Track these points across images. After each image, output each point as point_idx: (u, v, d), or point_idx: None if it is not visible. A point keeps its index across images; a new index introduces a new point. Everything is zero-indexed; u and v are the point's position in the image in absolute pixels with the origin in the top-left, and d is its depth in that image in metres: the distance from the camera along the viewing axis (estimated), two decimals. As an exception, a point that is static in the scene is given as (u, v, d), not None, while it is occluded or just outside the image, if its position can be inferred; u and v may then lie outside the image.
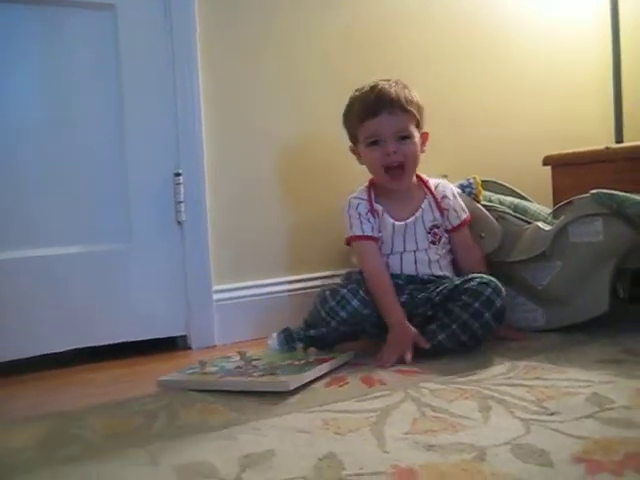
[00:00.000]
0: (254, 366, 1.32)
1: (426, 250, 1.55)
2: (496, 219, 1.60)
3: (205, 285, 1.65)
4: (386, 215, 1.54)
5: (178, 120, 1.61)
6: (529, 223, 1.60)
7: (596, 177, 1.82)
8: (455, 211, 1.58)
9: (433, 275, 1.53)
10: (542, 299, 1.53)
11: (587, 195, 1.46)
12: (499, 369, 1.27)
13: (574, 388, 1.13)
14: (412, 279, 1.53)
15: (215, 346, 1.65)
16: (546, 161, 1.95)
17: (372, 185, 1.58)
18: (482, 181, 1.69)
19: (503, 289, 1.40)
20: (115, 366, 1.51)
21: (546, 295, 1.52)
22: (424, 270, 1.54)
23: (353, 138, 1.57)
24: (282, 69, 1.78)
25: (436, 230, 1.56)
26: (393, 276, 1.51)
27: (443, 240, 1.57)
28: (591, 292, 1.49)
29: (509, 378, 1.21)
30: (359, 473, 0.85)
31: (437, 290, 1.47)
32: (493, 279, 1.41)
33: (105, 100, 1.56)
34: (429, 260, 1.54)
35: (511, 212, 1.63)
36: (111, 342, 1.56)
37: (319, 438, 0.99)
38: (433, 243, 1.56)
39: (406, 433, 0.98)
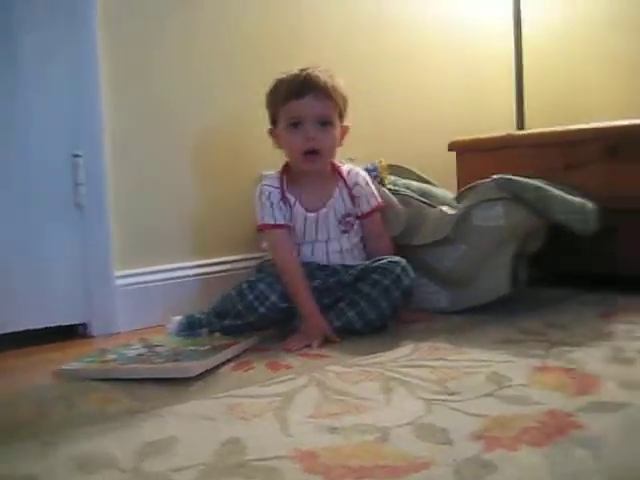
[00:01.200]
0: (157, 353, 1.29)
1: (338, 239, 1.54)
2: (401, 203, 1.61)
3: (106, 270, 1.59)
4: (298, 205, 1.52)
5: (78, 98, 1.54)
6: (434, 207, 1.62)
7: (499, 163, 1.86)
8: (366, 198, 1.57)
9: (344, 265, 1.53)
10: (446, 282, 1.56)
11: (489, 180, 1.50)
12: (403, 351, 1.28)
13: (475, 368, 1.16)
14: (323, 267, 1.52)
15: (118, 333, 1.60)
16: (451, 147, 1.99)
17: (285, 172, 1.55)
18: (388, 165, 1.70)
19: (411, 269, 1.43)
20: (9, 357, 1.44)
21: (450, 278, 1.55)
22: (336, 260, 1.53)
23: (273, 119, 1.54)
24: (190, 50, 1.74)
25: (348, 219, 1.56)
26: (304, 264, 1.50)
27: (355, 228, 1.57)
28: (493, 275, 1.53)
29: (412, 359, 1.23)
30: (261, 458, 0.84)
31: (349, 272, 1.48)
32: (402, 259, 1.44)
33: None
34: (341, 249, 1.54)
35: (416, 196, 1.65)
36: (4, 332, 1.48)
37: (222, 424, 0.97)
38: (345, 232, 1.55)
39: (310, 416, 0.97)
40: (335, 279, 1.49)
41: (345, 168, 1.59)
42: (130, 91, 1.64)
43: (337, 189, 1.56)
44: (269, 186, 1.53)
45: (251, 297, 1.41)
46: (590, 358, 1.17)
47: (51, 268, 1.53)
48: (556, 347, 1.25)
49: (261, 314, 1.41)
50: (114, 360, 1.26)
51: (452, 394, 1.03)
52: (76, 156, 1.54)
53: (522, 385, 1.05)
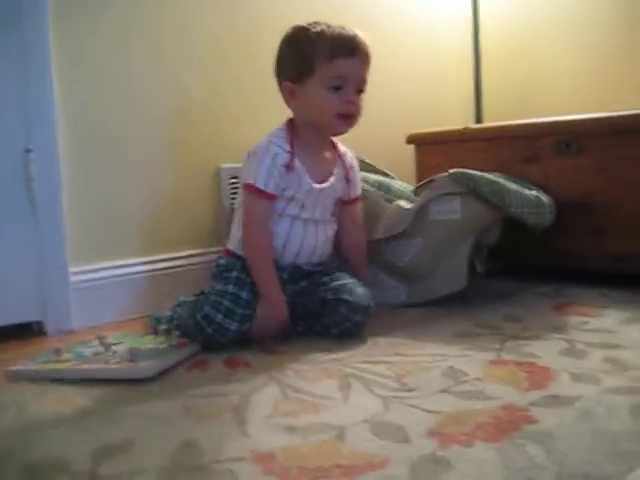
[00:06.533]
0: (113, 352, 1.26)
1: (329, 224, 1.46)
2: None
3: (61, 267, 1.56)
4: (307, 176, 1.39)
5: (28, 91, 1.49)
6: (392, 201, 1.63)
7: (457, 155, 1.89)
8: (355, 183, 1.51)
9: (317, 264, 1.45)
10: (404, 276, 1.57)
11: (446, 174, 1.51)
12: (361, 346, 1.29)
13: (432, 362, 1.17)
14: (294, 271, 1.42)
15: (73, 331, 1.57)
16: (410, 140, 2.00)
17: (291, 133, 1.40)
18: (347, 159, 1.69)
19: (371, 303, 1.37)
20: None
21: (408, 272, 1.56)
22: (319, 249, 1.44)
23: (303, 73, 1.35)
24: (146, 38, 1.70)
25: (338, 201, 1.49)
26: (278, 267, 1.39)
27: (335, 219, 1.50)
28: (450, 268, 1.55)
29: (371, 355, 1.23)
30: (219, 460, 0.84)
31: (313, 296, 1.40)
32: (364, 296, 1.36)
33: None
34: (326, 237, 1.45)
35: (373, 190, 1.65)
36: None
37: (179, 426, 0.96)
38: (333, 217, 1.48)
39: (268, 416, 0.97)
40: (301, 289, 1.42)
41: (341, 147, 1.50)
42: (82, 83, 1.60)
43: (336, 167, 1.46)
44: (278, 146, 1.37)
45: (212, 328, 1.28)
46: (544, 351, 1.19)
47: (4, 265, 1.49)
48: (511, 340, 1.27)
49: (233, 331, 1.29)
50: (70, 360, 1.24)
51: (409, 390, 1.04)
52: (28, 151, 1.50)
53: (477, 379, 1.07)
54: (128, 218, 1.68)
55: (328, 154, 1.46)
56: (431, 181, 1.54)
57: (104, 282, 1.63)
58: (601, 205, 1.64)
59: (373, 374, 1.12)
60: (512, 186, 1.48)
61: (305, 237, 1.42)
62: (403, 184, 1.79)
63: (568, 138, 1.67)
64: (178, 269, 1.74)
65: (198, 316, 1.29)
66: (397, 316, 1.51)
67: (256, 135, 1.43)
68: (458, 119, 2.27)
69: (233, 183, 1.82)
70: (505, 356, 1.18)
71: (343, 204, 1.50)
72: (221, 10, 1.83)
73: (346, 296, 1.34)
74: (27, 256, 1.52)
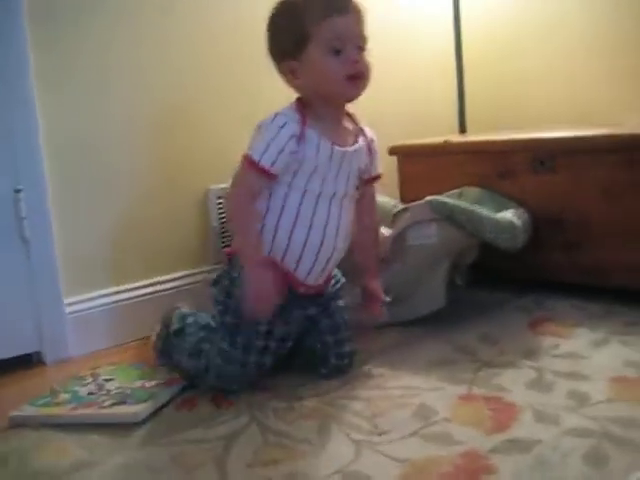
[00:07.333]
0: (107, 390, 1.34)
1: (351, 198, 1.35)
2: None
3: (55, 299, 1.62)
4: (324, 141, 1.26)
5: (14, 133, 1.54)
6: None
7: (438, 168, 1.94)
8: (376, 160, 1.40)
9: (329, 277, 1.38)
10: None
11: (422, 202, 1.56)
12: (343, 377, 1.35)
13: (406, 398, 1.23)
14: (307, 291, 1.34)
15: (71, 359, 1.64)
16: (392, 151, 2.03)
17: (301, 109, 1.28)
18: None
19: (355, 347, 1.41)
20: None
21: (388, 294, 1.62)
22: (340, 235, 1.32)
23: (300, 43, 1.25)
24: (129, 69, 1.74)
25: (362, 175, 1.37)
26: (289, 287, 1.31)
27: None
28: (429, 289, 1.61)
29: (348, 390, 1.30)
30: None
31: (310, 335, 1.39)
32: (351, 344, 1.39)
33: None
34: (349, 220, 1.34)
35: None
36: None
37: (165, 476, 1.04)
38: (357, 188, 1.37)
39: (248, 465, 1.04)
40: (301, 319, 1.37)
41: (360, 120, 1.40)
42: (68, 127, 1.64)
43: (361, 137, 1.36)
44: (284, 115, 1.25)
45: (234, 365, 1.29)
46: (513, 384, 1.25)
47: (1, 301, 1.56)
48: (484, 369, 1.33)
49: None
50: (67, 402, 1.31)
51: (381, 434, 1.11)
52: (18, 191, 1.56)
53: (446, 420, 1.14)
54: (118, 245, 1.74)
55: (348, 124, 1.35)
56: (408, 208, 1.59)
57: (98, 310, 1.69)
58: (575, 221, 1.69)
59: (350, 413, 1.19)
60: (485, 213, 1.53)
61: (330, 218, 1.30)
62: (385, 199, 1.83)
63: (542, 155, 1.72)
64: (170, 291, 1.80)
65: (211, 376, 1.31)
66: (377, 338, 1.56)
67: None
68: (442, 127, 2.30)
69: (220, 203, 1.87)
70: (475, 390, 1.24)
71: (367, 182, 1.41)
72: (203, 24, 1.85)
73: (332, 356, 1.37)
74: (22, 291, 1.59)
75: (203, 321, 1.43)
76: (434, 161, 1.96)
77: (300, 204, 1.28)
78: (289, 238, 1.29)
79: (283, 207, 1.28)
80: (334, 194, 1.30)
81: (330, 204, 1.30)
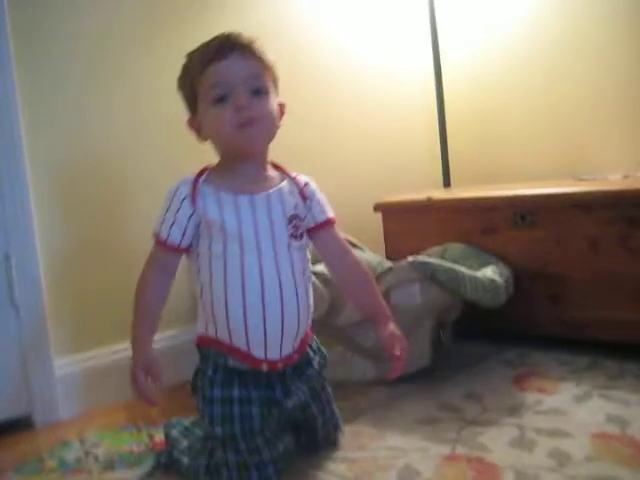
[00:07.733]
0: (94, 457, 1.35)
1: (287, 248, 1.18)
2: (322, 283, 1.61)
3: (45, 362, 1.64)
4: (224, 191, 1.16)
5: (3, 201, 1.58)
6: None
7: (422, 224, 1.98)
8: (320, 204, 1.27)
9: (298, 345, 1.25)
10: (371, 356, 1.65)
11: (405, 263, 1.59)
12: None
13: (390, 459, 1.25)
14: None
15: (60, 421, 1.65)
16: (376, 208, 2.08)
17: (209, 170, 1.21)
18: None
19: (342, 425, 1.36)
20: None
21: (374, 353, 1.64)
22: (289, 292, 1.18)
23: (192, 104, 1.20)
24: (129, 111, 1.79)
25: (297, 222, 1.21)
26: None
27: (305, 240, 1.23)
28: (414, 347, 1.62)
29: (336, 450, 1.31)
30: None
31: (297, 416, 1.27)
32: (338, 425, 1.35)
33: None
34: (292, 270, 1.18)
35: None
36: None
37: None
38: (294, 238, 1.20)
39: (233, 533, 1.06)
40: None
41: (293, 172, 1.28)
42: (56, 190, 1.68)
43: (285, 182, 1.23)
44: (181, 179, 1.18)
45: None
46: (495, 442, 1.27)
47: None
48: (468, 428, 1.35)
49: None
50: (55, 470, 1.32)
51: (365, 498, 1.12)
52: (8, 257, 1.59)
53: (429, 483, 1.15)
54: (106, 307, 1.75)
55: (273, 175, 1.24)
56: (392, 269, 1.62)
57: (87, 371, 1.71)
58: (556, 275, 1.72)
59: (334, 476, 1.21)
60: (466, 272, 1.56)
61: (264, 274, 1.16)
62: (371, 255, 1.87)
63: (523, 211, 1.76)
64: (162, 351, 1.81)
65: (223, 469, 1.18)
66: (364, 395, 1.58)
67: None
68: (427, 181, 2.36)
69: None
70: (459, 449, 1.26)
71: (314, 231, 1.27)
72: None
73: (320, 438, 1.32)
74: (12, 355, 1.61)
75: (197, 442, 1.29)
76: (418, 217, 2.00)
77: (225, 267, 1.15)
78: (225, 308, 1.16)
79: (211, 277, 1.17)
80: (259, 247, 1.16)
81: (260, 259, 1.15)
